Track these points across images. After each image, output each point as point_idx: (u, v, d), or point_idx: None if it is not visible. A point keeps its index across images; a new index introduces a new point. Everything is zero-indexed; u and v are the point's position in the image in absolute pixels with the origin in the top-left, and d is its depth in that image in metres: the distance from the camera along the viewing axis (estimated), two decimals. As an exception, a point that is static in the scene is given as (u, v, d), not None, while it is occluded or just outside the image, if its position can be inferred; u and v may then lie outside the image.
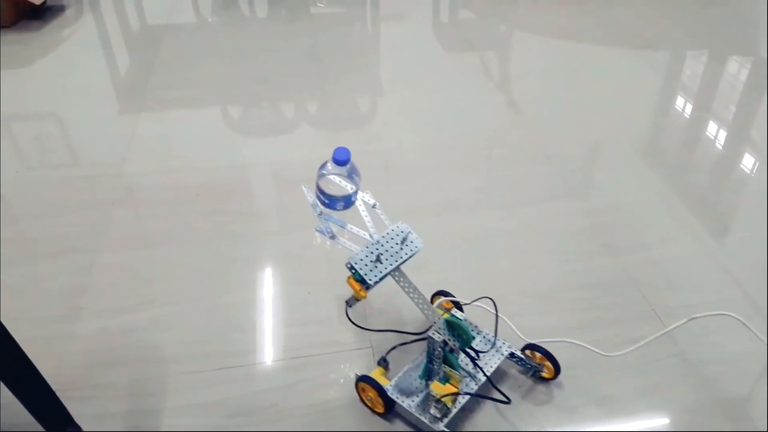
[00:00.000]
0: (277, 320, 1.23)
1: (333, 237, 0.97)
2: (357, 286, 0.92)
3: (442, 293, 1.18)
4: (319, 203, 0.95)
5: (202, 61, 2.38)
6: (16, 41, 2.54)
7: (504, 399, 1.02)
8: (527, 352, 1.08)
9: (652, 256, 1.37)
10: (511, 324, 1.09)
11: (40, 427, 0.90)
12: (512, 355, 1.09)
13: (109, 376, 1.11)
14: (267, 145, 1.85)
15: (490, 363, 1.05)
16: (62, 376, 1.08)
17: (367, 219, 0.97)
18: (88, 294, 1.30)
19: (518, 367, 1.12)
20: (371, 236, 0.96)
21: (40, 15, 2.75)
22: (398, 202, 1.57)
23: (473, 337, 0.99)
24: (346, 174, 0.92)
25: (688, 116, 1.98)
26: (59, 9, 2.83)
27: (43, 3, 2.75)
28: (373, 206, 0.99)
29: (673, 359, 1.13)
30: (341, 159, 0.90)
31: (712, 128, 1.91)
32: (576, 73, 2.24)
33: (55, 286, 1.32)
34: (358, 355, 1.15)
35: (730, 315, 1.14)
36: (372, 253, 0.93)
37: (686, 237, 1.44)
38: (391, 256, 0.94)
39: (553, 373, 1.08)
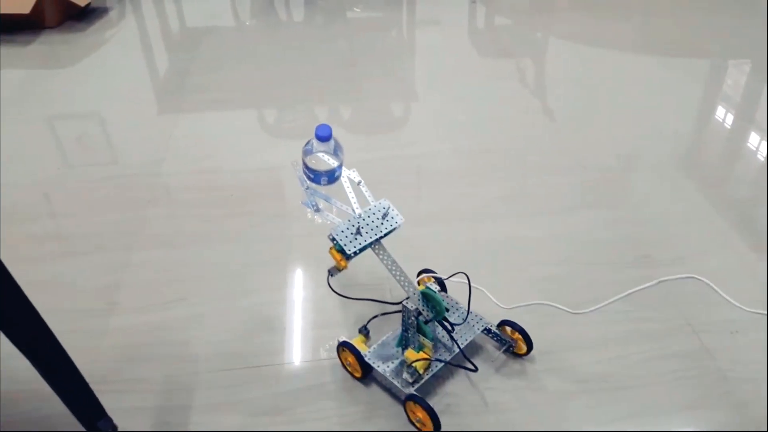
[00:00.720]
0: (306, 321, 1.24)
1: (318, 210, 1.03)
2: (338, 256, 0.99)
3: (425, 271, 1.22)
4: (305, 179, 1.01)
5: (238, 63, 2.41)
6: (60, 42, 2.61)
7: (472, 368, 1.08)
8: (502, 328, 1.14)
9: (687, 269, 1.34)
10: (491, 297, 1.22)
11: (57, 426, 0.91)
12: (488, 330, 1.14)
13: (140, 371, 1.13)
14: (299, 148, 1.86)
15: (465, 336, 1.11)
16: (96, 370, 1.10)
17: (351, 195, 1.02)
18: (122, 290, 1.32)
19: (494, 342, 1.17)
20: (354, 211, 1.02)
21: (84, 17, 2.82)
22: (429, 208, 1.56)
23: (445, 309, 1.05)
24: (331, 151, 0.98)
25: (728, 126, 1.94)
26: (103, 11, 2.91)
27: (88, 5, 2.82)
28: (359, 183, 1.03)
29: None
30: (323, 135, 0.96)
31: (754, 139, 1.86)
32: (612, 81, 2.21)
33: (91, 282, 1.35)
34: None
35: (697, 278, 1.18)
36: (353, 225, 1.00)
37: (724, 250, 1.41)
38: (372, 229, 1.01)
39: (525, 350, 1.13)
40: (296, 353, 1.17)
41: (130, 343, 1.19)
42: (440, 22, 2.74)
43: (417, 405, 1.00)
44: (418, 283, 1.12)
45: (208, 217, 1.55)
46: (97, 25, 2.76)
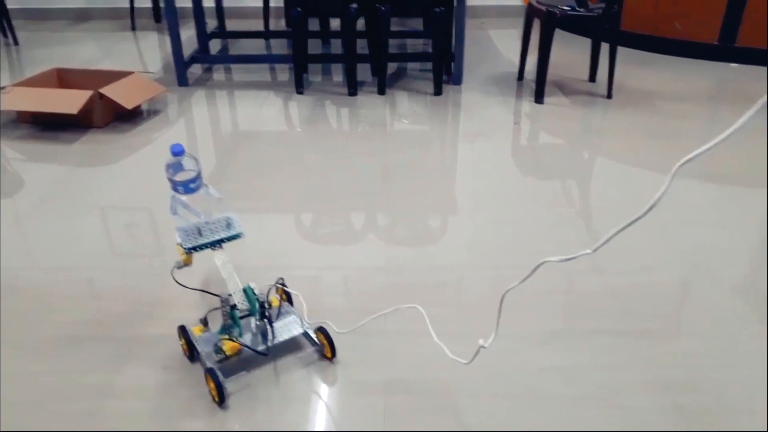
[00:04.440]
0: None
1: (175, 213, 1.30)
2: (180, 249, 1.27)
3: (282, 283, 1.45)
4: (172, 191, 1.28)
5: (277, 169, 2.37)
6: (105, 141, 2.64)
7: (263, 352, 1.32)
8: (317, 333, 1.37)
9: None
10: (304, 304, 1.49)
11: None
12: (306, 333, 1.39)
13: None
14: (336, 255, 1.74)
15: (284, 332, 1.36)
16: None
17: (205, 205, 1.32)
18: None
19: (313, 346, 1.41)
20: (201, 217, 1.32)
21: (133, 118, 2.87)
22: (443, 328, 1.39)
23: (256, 307, 1.28)
24: (187, 165, 1.27)
25: (806, 267, 1.73)
26: (154, 113, 2.95)
27: (136, 108, 2.87)
28: (219, 198, 1.31)
29: None
30: (176, 150, 1.25)
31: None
32: (668, 211, 2.05)
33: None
34: None
35: None
36: (196, 228, 1.29)
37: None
38: (212, 233, 1.29)
39: (330, 354, 1.37)
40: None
41: None
42: (484, 137, 2.67)
43: (210, 377, 1.25)
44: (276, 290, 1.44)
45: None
46: (145, 126, 2.79)
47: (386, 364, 1.38)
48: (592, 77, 3.36)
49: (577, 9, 2.97)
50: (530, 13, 3.23)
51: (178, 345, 1.42)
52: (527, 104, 3.07)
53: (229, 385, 1.31)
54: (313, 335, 1.38)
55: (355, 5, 3.11)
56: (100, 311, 1.57)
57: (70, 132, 2.70)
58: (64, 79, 3.03)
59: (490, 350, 1.40)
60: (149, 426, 1.23)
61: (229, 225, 1.31)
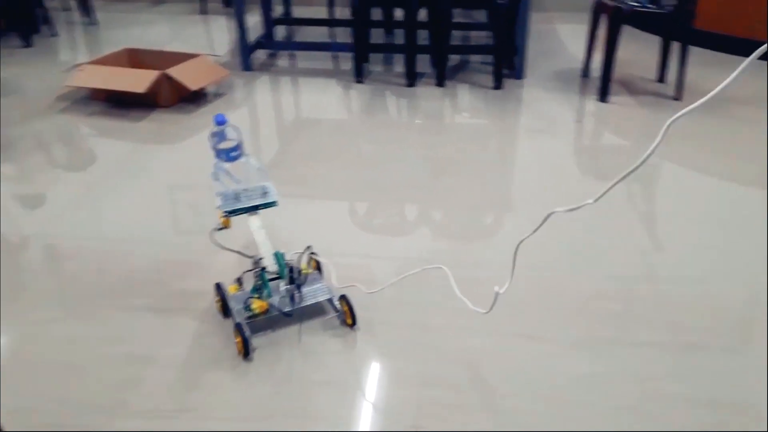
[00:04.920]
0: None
1: (217, 179, 1.39)
2: (220, 213, 1.37)
3: (310, 247, 1.52)
4: (215, 158, 1.39)
5: (332, 157, 2.39)
6: (170, 120, 2.73)
7: (287, 313, 1.42)
8: (340, 301, 1.46)
9: None
10: (333, 272, 1.58)
11: None
12: (330, 300, 1.49)
13: None
14: (387, 244, 1.76)
15: (310, 296, 1.47)
16: None
17: (245, 174, 1.40)
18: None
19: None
20: (240, 184, 1.40)
21: (198, 99, 2.95)
22: (484, 327, 1.38)
23: (285, 271, 1.39)
24: (228, 135, 1.37)
25: None
26: (218, 96, 3.03)
27: (201, 90, 2.95)
28: (258, 168, 1.41)
29: None
30: (219, 120, 1.36)
31: None
32: (741, 223, 1.96)
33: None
34: None
35: None
36: (235, 193, 1.39)
37: None
38: (249, 199, 1.39)
39: (351, 321, 1.45)
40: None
41: None
42: (547, 133, 2.62)
43: (238, 331, 1.37)
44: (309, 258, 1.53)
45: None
46: (208, 108, 2.86)
47: (409, 334, 1.47)
48: (661, 77, 3.23)
49: (647, 5, 2.86)
50: (597, 8, 3.14)
51: (214, 301, 1.54)
52: (591, 102, 2.99)
53: (255, 340, 1.41)
54: (337, 303, 1.47)
55: (419, -5, 3.10)
56: (151, 269, 1.64)
57: (138, 110, 2.80)
58: (134, 58, 3.15)
59: (529, 352, 1.38)
60: (180, 368, 1.36)
61: (265, 193, 1.40)
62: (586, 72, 3.35)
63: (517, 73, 3.31)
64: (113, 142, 2.51)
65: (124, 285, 1.64)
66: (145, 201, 2.06)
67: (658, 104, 2.94)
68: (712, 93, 0.70)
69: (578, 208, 0.94)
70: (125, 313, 1.54)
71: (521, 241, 1.13)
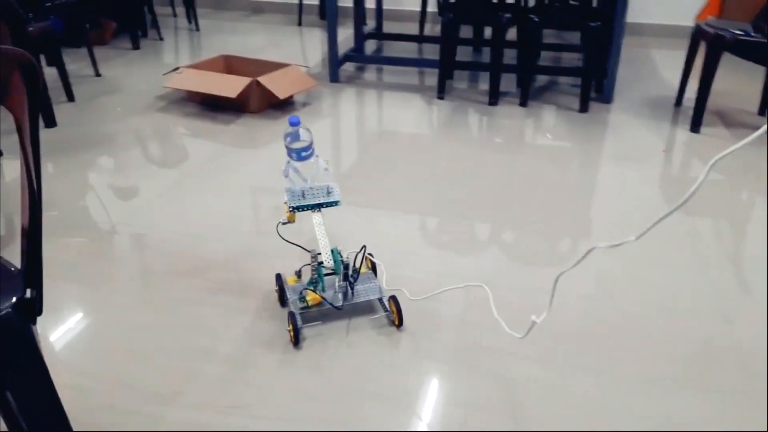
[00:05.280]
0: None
1: (287, 176, 1.48)
2: (286, 208, 1.47)
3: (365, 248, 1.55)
4: (287, 156, 1.47)
5: (407, 172, 2.42)
6: (257, 125, 2.85)
7: (338, 307, 1.50)
8: (389, 301, 1.53)
9: None
10: (384, 273, 1.70)
11: None
12: (381, 300, 1.56)
13: None
14: (455, 263, 1.76)
15: (362, 294, 1.54)
16: None
17: (313, 173, 1.49)
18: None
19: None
20: (307, 183, 1.48)
21: (286, 107, 3.06)
22: (532, 354, 1.34)
23: (340, 268, 1.45)
24: (301, 136, 1.45)
25: None
26: (304, 105, 3.13)
27: (289, 98, 3.06)
28: (325, 169, 1.49)
29: None
30: (293, 121, 1.45)
31: None
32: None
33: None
34: None
35: None
36: (301, 191, 1.48)
37: None
38: (314, 197, 1.48)
39: (398, 322, 1.51)
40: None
41: None
42: (632, 160, 2.53)
43: (291, 320, 1.45)
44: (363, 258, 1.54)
45: (324, 320, 1.52)
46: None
47: (448, 339, 1.51)
48: (762, 110, 3.06)
49: (752, 34, 2.72)
50: (696, 35, 3.01)
51: (275, 290, 1.64)
52: (682, 132, 2.87)
53: (306, 330, 1.51)
54: (386, 303, 1.54)
55: (508, 14, 3.08)
56: (224, 262, 1.72)
57: (229, 114, 2.95)
58: (229, 64, 3.31)
59: (588, 388, 1.34)
60: (233, 349, 1.46)
61: (329, 192, 1.49)
62: (679, 100, 3.22)
63: (606, 96, 3.23)
64: (203, 142, 2.65)
65: (196, 276, 1.73)
66: (226, 200, 2.16)
67: (758, 138, 2.77)
68: (760, 130, 0.67)
69: (619, 245, 0.91)
70: (194, 305, 1.62)
71: (561, 274, 1.12)
